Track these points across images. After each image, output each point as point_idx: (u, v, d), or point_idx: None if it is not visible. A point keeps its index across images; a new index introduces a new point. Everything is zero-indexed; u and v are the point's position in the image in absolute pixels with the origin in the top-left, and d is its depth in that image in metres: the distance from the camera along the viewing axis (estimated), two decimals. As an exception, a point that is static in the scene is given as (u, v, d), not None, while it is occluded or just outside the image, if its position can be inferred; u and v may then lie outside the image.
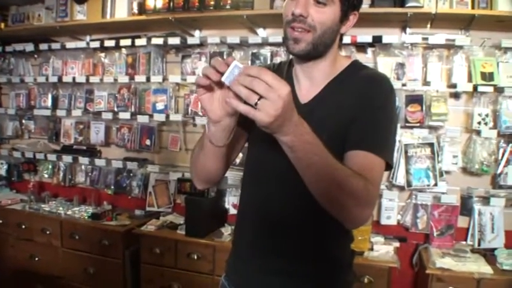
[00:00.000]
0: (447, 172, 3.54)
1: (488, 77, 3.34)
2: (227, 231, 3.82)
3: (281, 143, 1.29)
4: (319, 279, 1.66)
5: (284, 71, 1.77)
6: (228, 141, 1.52)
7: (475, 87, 3.35)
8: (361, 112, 1.52)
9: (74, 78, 4.55)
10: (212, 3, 3.72)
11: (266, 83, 1.15)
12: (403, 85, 3.47)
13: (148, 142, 4.31)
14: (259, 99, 1.15)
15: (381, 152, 1.48)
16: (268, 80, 1.15)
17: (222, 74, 1.25)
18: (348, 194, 1.37)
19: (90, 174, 4.73)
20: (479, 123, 3.40)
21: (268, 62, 3.77)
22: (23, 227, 4.41)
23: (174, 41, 4.07)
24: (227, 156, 1.67)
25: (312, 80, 1.66)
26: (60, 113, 4.69)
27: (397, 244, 3.49)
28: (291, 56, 1.72)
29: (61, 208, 4.38)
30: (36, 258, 4.35)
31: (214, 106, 1.38)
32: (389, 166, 1.53)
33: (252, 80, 1.16)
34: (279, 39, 3.64)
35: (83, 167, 4.78)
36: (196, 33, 4.22)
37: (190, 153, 1.75)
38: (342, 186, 1.35)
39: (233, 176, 3.87)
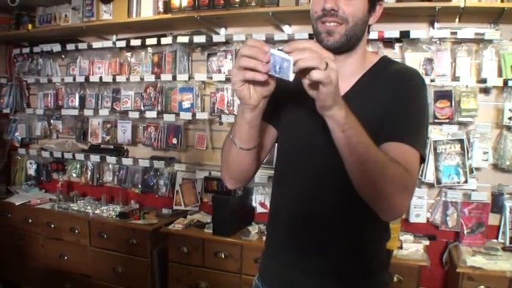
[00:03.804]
0: (477, 169, 3.47)
1: (518, 71, 3.29)
2: (254, 229, 3.81)
3: (333, 122, 1.33)
4: (355, 279, 1.65)
5: None
6: (254, 145, 1.57)
7: (505, 82, 3.29)
8: (393, 106, 1.52)
9: (100, 78, 4.58)
10: (237, 0, 3.71)
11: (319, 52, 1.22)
12: (432, 81, 3.42)
13: (174, 141, 4.31)
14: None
15: (415, 143, 1.48)
16: (318, 48, 1.23)
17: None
18: (388, 179, 1.38)
19: (117, 173, 4.77)
20: (510, 118, 3.33)
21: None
22: (52, 226, 4.46)
23: (200, 39, 4.07)
24: (258, 155, 1.68)
25: (341, 76, 1.63)
26: (88, 112, 4.73)
27: (426, 242, 3.44)
28: None
29: (89, 207, 4.42)
30: (66, 257, 4.40)
31: (251, 92, 1.38)
32: (422, 159, 1.52)
33: (312, 48, 1.22)
34: (305, 35, 3.62)
35: (110, 166, 4.81)
36: (222, 31, 4.22)
37: (220, 154, 1.74)
38: (383, 169, 1.37)
39: (260, 174, 3.85)
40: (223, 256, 3.65)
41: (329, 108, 1.28)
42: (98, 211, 4.33)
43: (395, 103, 1.52)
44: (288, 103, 1.42)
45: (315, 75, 1.20)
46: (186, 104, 4.17)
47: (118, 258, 4.11)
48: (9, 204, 4.76)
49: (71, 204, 4.52)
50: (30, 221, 4.61)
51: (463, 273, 3.01)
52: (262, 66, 1.25)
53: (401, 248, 3.36)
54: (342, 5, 1.50)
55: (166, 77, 4.22)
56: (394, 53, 3.65)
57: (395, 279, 3.11)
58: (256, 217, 4.07)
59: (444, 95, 3.41)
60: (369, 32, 1.69)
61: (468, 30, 3.36)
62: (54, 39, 4.84)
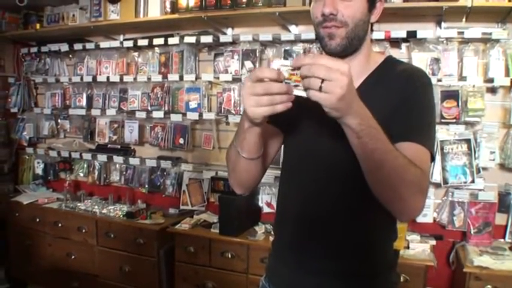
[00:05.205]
0: (484, 168, 3.46)
1: (526, 71, 3.27)
2: (261, 229, 3.81)
3: (347, 129, 1.30)
4: (362, 279, 1.64)
5: None
6: (261, 152, 1.58)
7: (513, 82, 3.28)
8: (401, 106, 1.51)
9: (108, 78, 4.60)
10: (244, 0, 3.71)
11: (324, 65, 1.16)
12: (439, 80, 3.41)
13: (181, 141, 4.32)
14: (322, 83, 1.16)
15: (426, 142, 1.48)
16: (325, 62, 1.17)
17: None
18: (407, 182, 1.37)
19: (124, 173, 4.78)
20: (517, 118, 3.33)
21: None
22: (60, 225, 4.48)
23: (207, 39, 4.07)
24: (265, 159, 1.69)
25: None
26: (95, 112, 4.75)
27: (433, 242, 3.43)
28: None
29: (96, 207, 4.43)
30: (73, 257, 4.42)
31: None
32: (432, 158, 1.52)
33: (310, 67, 1.17)
34: (312, 35, 3.62)
35: (117, 165, 4.83)
36: (229, 31, 4.23)
37: (226, 163, 1.76)
38: (402, 173, 1.35)
39: (266, 174, 3.79)
40: (229, 256, 3.66)
41: (338, 117, 1.26)
42: (105, 211, 4.35)
43: (404, 103, 1.52)
44: (294, 105, 1.39)
45: (309, 94, 1.20)
46: (192, 104, 4.18)
47: (125, 257, 4.12)
48: (17, 203, 4.79)
49: (78, 204, 4.54)
50: (37, 220, 4.63)
51: (470, 273, 3.01)
52: (290, 97, 1.27)
53: (408, 247, 3.35)
54: (340, 8, 1.49)
55: (173, 77, 4.23)
56: (400, 53, 3.64)
57: (401, 279, 3.11)
58: (263, 217, 4.07)
59: (451, 94, 3.40)
60: (372, 30, 1.68)
61: (475, 30, 3.35)
62: (61, 38, 4.86)
